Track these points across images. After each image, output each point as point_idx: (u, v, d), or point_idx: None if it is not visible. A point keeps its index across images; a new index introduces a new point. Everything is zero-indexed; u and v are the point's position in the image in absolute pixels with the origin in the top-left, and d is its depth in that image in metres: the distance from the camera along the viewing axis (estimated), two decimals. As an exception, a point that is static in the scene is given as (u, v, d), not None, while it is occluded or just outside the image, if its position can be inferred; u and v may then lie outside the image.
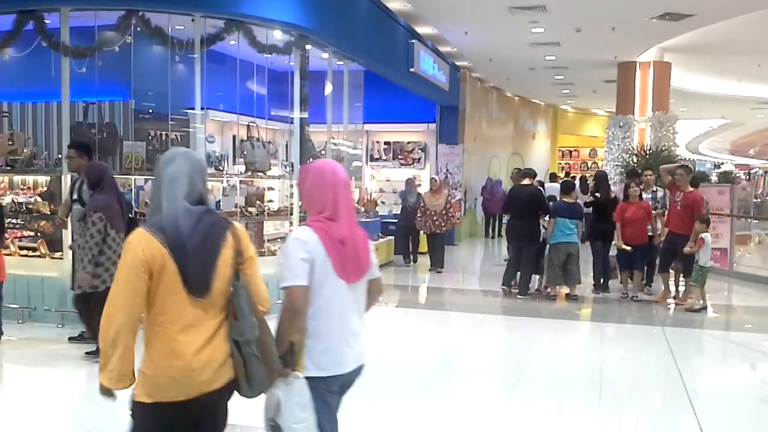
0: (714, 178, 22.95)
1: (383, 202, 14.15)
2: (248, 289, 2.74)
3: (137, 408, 2.60)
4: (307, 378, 2.84)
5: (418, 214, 11.96)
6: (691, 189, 9.36)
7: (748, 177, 33.24)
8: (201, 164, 2.78)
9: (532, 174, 10.27)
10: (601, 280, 10.10)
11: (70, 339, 6.73)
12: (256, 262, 2.84)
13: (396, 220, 13.07)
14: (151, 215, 2.70)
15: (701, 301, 8.85)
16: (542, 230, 9.83)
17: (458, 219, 16.36)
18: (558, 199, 10.17)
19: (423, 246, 12.80)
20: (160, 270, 2.55)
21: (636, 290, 9.62)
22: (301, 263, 2.81)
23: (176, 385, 2.58)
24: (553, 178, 18.92)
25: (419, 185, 13.58)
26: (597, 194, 10.30)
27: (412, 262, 12.59)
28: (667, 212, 9.62)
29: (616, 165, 14.97)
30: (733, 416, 5.27)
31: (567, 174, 22.52)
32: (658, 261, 9.68)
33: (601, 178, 10.84)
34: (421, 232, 12.35)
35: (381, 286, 3.19)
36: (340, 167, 3.04)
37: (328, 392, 2.93)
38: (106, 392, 2.60)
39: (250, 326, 2.71)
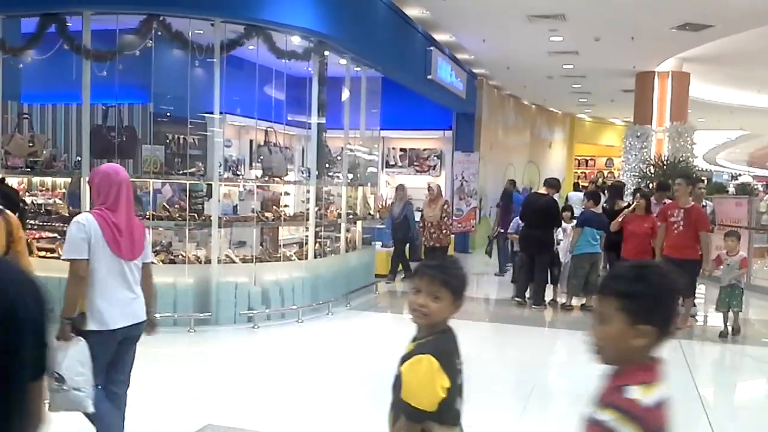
0: (731, 189, 22.69)
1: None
2: (18, 261, 3.65)
3: None
4: (89, 331, 3.65)
5: (420, 225, 11.24)
6: (692, 203, 8.43)
7: (766, 189, 32.97)
8: None
9: (553, 184, 10.07)
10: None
11: None
12: (24, 241, 3.82)
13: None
14: None
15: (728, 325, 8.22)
16: (557, 240, 9.82)
17: (473, 227, 16.39)
18: (575, 209, 10.13)
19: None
20: None
21: None
22: (80, 242, 3.62)
23: None
24: (576, 187, 18.82)
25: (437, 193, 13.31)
26: (605, 205, 10.24)
27: (392, 281, 11.44)
28: (665, 236, 8.38)
29: (633, 175, 14.89)
30: (750, 431, 5.21)
31: (603, 183, 22.14)
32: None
33: (614, 188, 10.77)
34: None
35: (151, 270, 4.03)
36: (123, 170, 3.89)
37: (104, 343, 3.73)
38: None
39: None
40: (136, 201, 7.45)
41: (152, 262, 4.19)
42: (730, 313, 8.11)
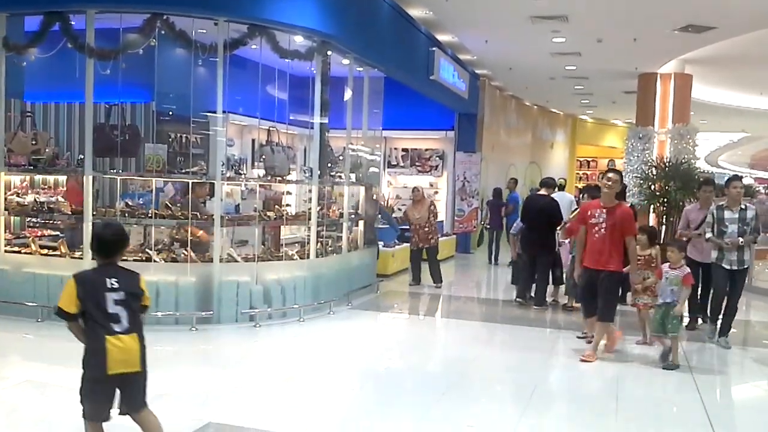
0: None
1: (400, 209, 14.14)
2: None
3: None
4: None
5: (408, 227, 11.38)
6: (617, 202, 7.03)
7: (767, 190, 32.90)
8: None
9: (550, 184, 10.18)
10: (620, 292, 10.03)
11: None
12: None
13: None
14: None
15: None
16: (558, 242, 9.82)
17: (474, 227, 16.42)
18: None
19: (404, 263, 12.16)
20: None
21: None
22: None
23: None
24: (561, 189, 18.79)
25: (437, 193, 13.29)
26: None
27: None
28: (583, 243, 7.11)
29: (635, 176, 14.88)
30: (752, 434, 5.21)
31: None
32: (582, 307, 7.53)
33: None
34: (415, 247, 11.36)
35: None
36: None
37: None
38: None
39: None
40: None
41: None
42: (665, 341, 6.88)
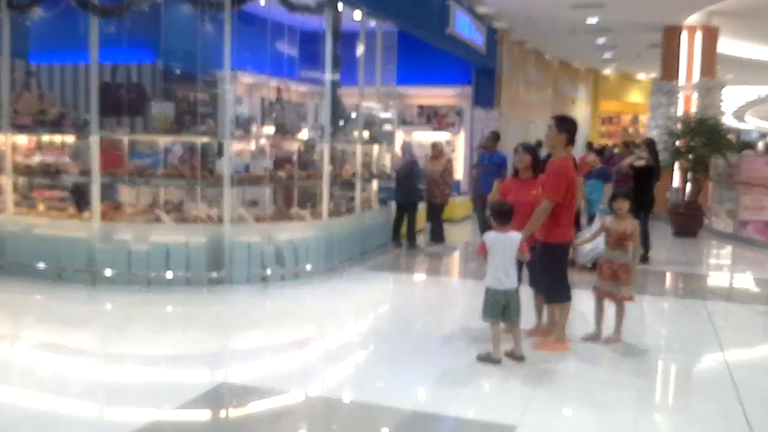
0: (761, 146, 22.20)
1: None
2: None
3: None
4: None
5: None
6: (564, 155, 5.59)
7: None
8: None
9: None
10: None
11: None
12: None
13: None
14: None
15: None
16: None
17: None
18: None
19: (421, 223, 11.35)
20: None
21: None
22: None
23: None
24: (590, 147, 18.44)
25: (454, 151, 13.06)
26: (645, 162, 9.94)
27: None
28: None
29: (661, 133, 14.52)
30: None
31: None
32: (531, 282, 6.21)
33: (650, 144, 10.44)
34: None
35: None
36: None
37: None
38: None
39: None
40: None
41: None
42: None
